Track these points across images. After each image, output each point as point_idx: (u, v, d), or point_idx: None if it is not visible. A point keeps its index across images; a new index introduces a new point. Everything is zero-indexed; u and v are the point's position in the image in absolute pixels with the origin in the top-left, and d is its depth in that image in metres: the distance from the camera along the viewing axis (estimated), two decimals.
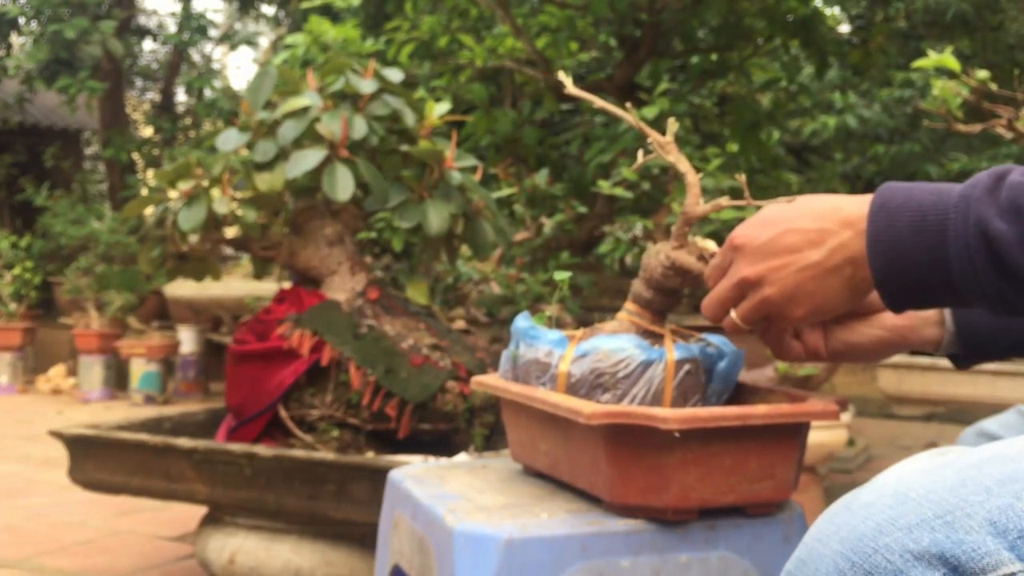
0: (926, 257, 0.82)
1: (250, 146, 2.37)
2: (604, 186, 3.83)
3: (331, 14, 5.52)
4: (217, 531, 2.21)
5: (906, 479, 0.68)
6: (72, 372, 6.57)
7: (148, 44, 10.69)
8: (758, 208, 0.98)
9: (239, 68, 24.26)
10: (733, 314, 0.96)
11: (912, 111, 6.76)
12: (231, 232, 2.42)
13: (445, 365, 2.26)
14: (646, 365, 1.05)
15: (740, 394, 1.16)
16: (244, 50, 17.83)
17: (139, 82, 10.95)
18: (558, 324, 1.21)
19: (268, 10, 10.15)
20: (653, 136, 1.09)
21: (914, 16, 6.44)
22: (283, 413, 2.23)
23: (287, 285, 2.56)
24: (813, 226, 0.89)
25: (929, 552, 0.63)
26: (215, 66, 12.10)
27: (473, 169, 2.53)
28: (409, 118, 2.45)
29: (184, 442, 2.14)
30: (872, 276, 0.86)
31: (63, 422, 4.67)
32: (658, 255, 1.08)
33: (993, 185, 0.80)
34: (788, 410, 1.04)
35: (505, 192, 4.26)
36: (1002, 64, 6.40)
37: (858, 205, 0.88)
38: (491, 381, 1.18)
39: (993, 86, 2.44)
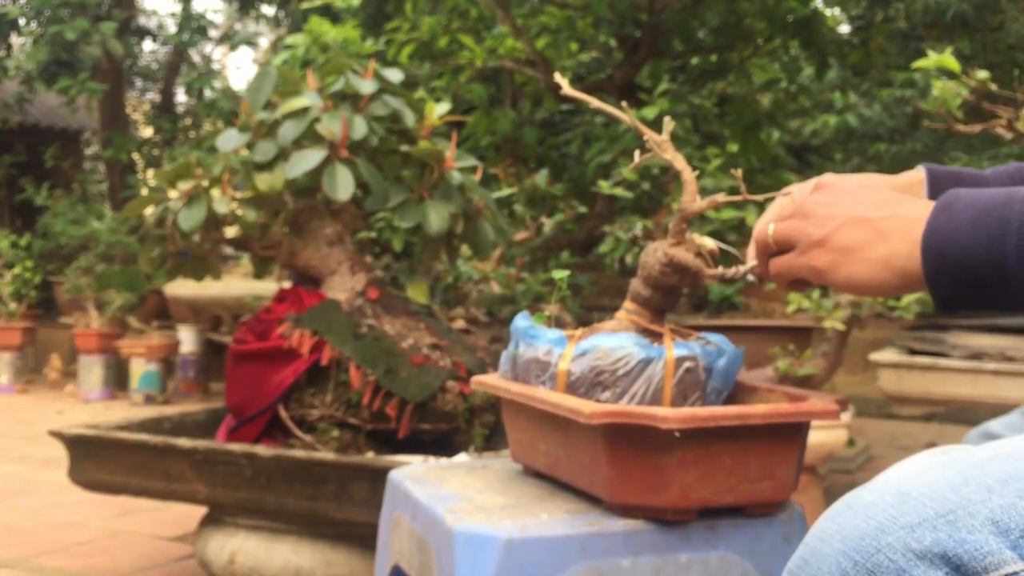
0: (983, 252, 0.79)
1: (250, 146, 2.37)
2: (604, 186, 3.83)
3: (331, 14, 5.52)
4: (217, 531, 2.21)
5: (908, 478, 0.68)
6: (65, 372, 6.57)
7: (148, 44, 10.70)
8: (757, 204, 0.98)
9: (239, 68, 24.28)
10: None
11: (912, 111, 6.76)
12: (231, 232, 2.42)
13: (445, 365, 2.26)
14: (646, 363, 1.05)
15: (740, 394, 1.16)
16: (244, 50, 17.80)
17: (139, 82, 10.95)
18: (558, 323, 1.21)
19: (268, 10, 10.16)
20: (649, 135, 1.09)
21: (914, 16, 6.43)
22: (283, 413, 2.23)
23: (287, 285, 2.56)
24: (876, 215, 0.88)
25: (931, 551, 0.63)
26: (215, 66, 12.09)
27: (473, 169, 2.53)
28: (409, 118, 2.45)
29: (184, 442, 2.13)
30: (923, 271, 0.83)
31: (63, 422, 4.66)
32: (656, 253, 1.08)
33: None
34: (788, 410, 1.04)
35: (505, 192, 4.26)
36: (1002, 64, 6.39)
37: (921, 209, 0.86)
38: (491, 381, 1.18)
39: (993, 86, 2.44)
